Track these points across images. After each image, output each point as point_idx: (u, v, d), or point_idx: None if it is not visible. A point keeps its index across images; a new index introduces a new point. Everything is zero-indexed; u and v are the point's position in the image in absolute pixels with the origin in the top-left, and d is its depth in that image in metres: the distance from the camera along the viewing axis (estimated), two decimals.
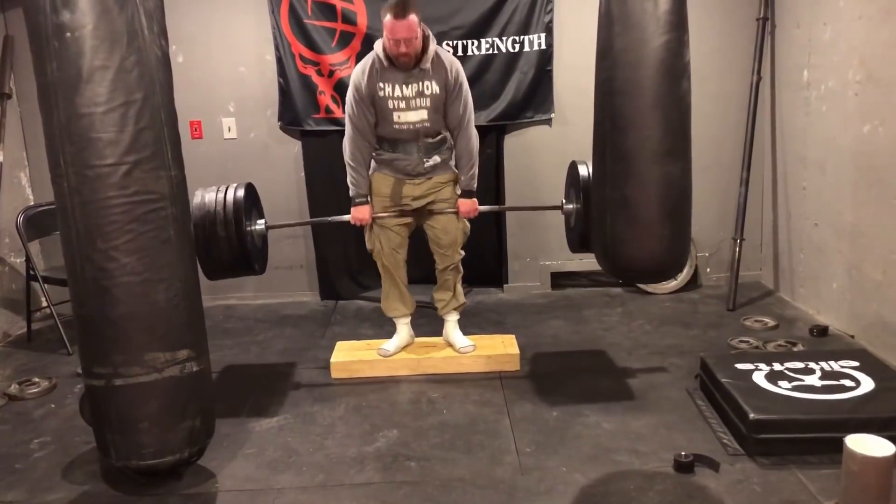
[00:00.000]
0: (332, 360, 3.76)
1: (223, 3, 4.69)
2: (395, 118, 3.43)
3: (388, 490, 2.71)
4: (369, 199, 3.56)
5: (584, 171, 3.45)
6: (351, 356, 3.78)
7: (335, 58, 4.65)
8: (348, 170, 3.53)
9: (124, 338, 2.50)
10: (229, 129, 4.86)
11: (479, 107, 4.70)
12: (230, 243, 3.38)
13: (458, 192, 3.58)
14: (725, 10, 4.65)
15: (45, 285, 4.35)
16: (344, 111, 4.60)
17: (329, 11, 4.59)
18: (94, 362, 2.55)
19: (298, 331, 4.49)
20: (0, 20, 4.69)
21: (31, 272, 4.35)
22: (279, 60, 4.69)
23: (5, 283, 4.67)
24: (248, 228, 3.49)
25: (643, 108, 2.67)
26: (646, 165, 2.71)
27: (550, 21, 4.63)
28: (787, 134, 4.51)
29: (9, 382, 3.79)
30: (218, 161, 4.85)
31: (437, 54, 3.39)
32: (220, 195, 3.40)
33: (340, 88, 4.67)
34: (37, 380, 3.78)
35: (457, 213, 3.57)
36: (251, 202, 3.59)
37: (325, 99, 4.72)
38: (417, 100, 3.40)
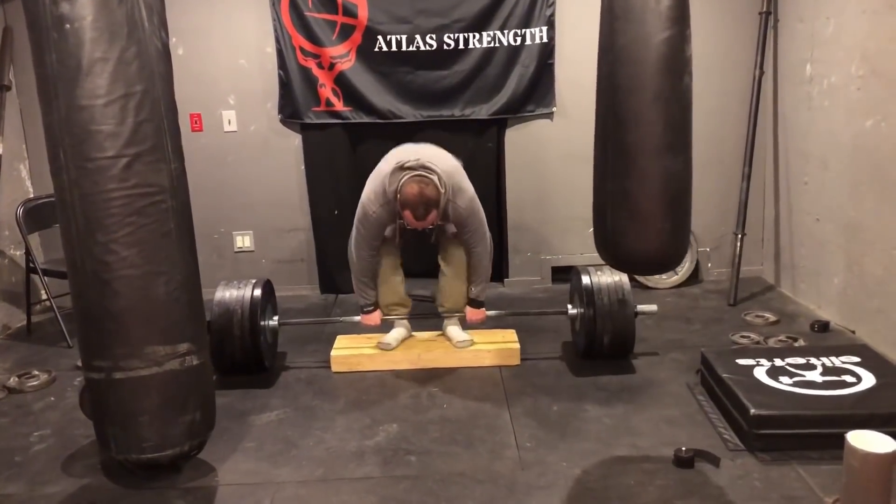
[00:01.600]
0: (332, 353, 3.75)
1: None
2: (408, 234, 3.56)
3: (388, 484, 2.71)
4: (378, 304, 3.71)
5: (587, 279, 3.61)
6: (351, 350, 3.78)
7: (336, 50, 4.63)
8: (355, 282, 3.65)
9: (124, 331, 2.50)
10: (229, 122, 4.84)
11: (480, 100, 4.71)
12: (244, 345, 3.54)
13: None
14: (728, 4, 4.63)
15: (45, 278, 4.33)
16: (345, 104, 4.65)
17: (330, 4, 4.57)
18: (94, 355, 2.55)
19: (299, 324, 4.47)
20: None
21: (31, 265, 4.34)
22: (280, 53, 4.67)
23: (5, 275, 4.66)
24: (263, 325, 3.62)
25: (645, 103, 2.67)
26: (647, 160, 2.71)
27: (552, 14, 4.61)
28: (790, 129, 4.49)
29: (8, 375, 3.78)
30: (218, 154, 4.84)
31: (447, 207, 3.38)
32: (240, 294, 3.57)
33: (341, 81, 4.66)
34: (36, 373, 3.77)
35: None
36: (266, 299, 3.72)
37: (326, 92, 4.70)
38: (429, 230, 3.50)
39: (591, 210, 2.91)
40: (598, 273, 3.63)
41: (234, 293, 3.58)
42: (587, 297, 3.57)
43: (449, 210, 3.40)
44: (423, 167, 3.26)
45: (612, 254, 2.95)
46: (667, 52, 2.64)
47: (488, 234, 3.62)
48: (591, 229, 3.00)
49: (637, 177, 2.72)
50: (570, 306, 3.81)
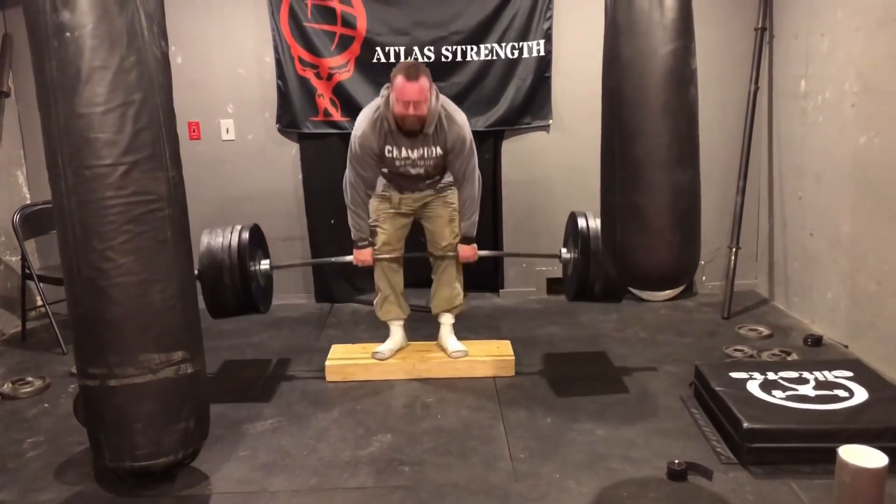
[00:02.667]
0: (326, 362, 3.75)
1: (223, 4, 4.69)
2: (399, 169, 3.52)
3: (381, 494, 2.71)
4: (371, 241, 3.66)
5: (583, 222, 3.54)
6: (346, 359, 3.78)
7: (334, 61, 4.65)
8: (350, 213, 3.61)
9: (119, 338, 2.50)
10: (227, 131, 4.85)
11: (477, 112, 4.73)
12: (235, 289, 3.48)
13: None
14: (724, 19, 4.67)
15: (41, 284, 4.33)
16: (343, 114, 4.67)
17: (329, 15, 4.60)
18: (89, 362, 2.55)
19: (294, 333, 4.48)
20: None
21: (27, 271, 4.34)
22: (278, 63, 4.69)
23: (0, 281, 4.66)
24: (253, 269, 3.58)
25: (651, 115, 2.69)
26: (655, 173, 2.73)
27: (549, 28, 4.64)
28: (784, 143, 4.52)
29: (2, 381, 3.77)
30: (216, 162, 4.85)
31: (440, 119, 3.41)
32: (226, 240, 3.49)
33: (339, 92, 4.68)
34: (30, 379, 3.76)
35: (453, 217, 3.63)
36: (256, 243, 3.67)
37: (324, 102, 4.72)
38: (422, 160, 3.49)
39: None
40: (595, 218, 3.48)
41: (219, 240, 3.49)
42: (582, 241, 3.49)
43: (443, 120, 3.41)
44: None
45: (623, 269, 2.96)
46: (673, 64, 2.66)
47: (479, 172, 3.60)
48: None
49: (646, 190, 2.73)
50: (563, 250, 3.75)
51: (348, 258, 3.71)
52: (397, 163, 3.48)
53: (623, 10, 2.70)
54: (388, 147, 3.44)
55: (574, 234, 3.62)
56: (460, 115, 3.50)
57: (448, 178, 3.64)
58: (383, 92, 3.41)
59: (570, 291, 3.71)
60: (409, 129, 3.38)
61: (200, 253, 3.40)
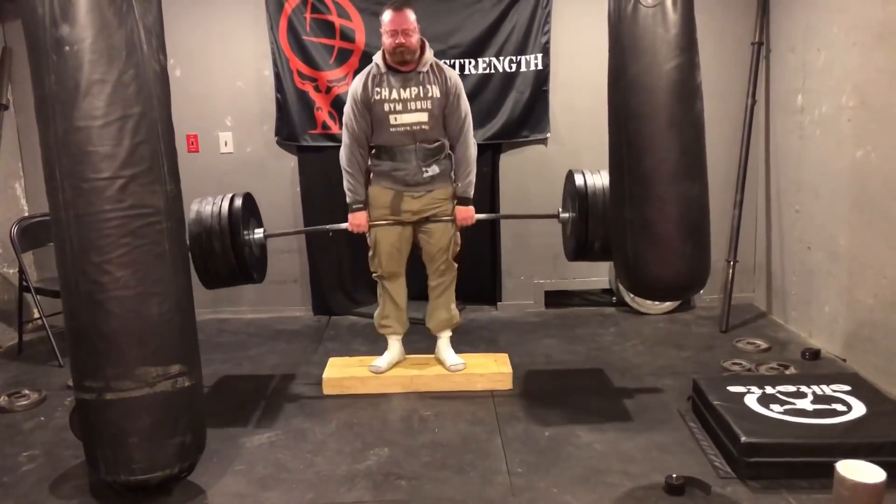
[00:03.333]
0: (324, 375, 3.74)
1: (222, 18, 4.71)
2: (392, 121, 3.47)
3: None
4: (366, 205, 3.60)
5: (580, 180, 3.49)
6: (343, 372, 3.77)
7: (333, 74, 4.67)
8: (345, 176, 3.57)
9: (116, 352, 2.50)
10: (226, 144, 4.87)
11: (475, 125, 4.68)
12: (227, 257, 3.40)
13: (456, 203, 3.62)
14: (721, 34, 4.69)
15: (38, 296, 4.33)
16: (341, 126, 4.68)
17: (327, 28, 4.62)
18: (86, 376, 2.54)
19: (291, 346, 4.48)
20: None
21: (24, 283, 4.33)
22: (277, 76, 4.71)
23: None
24: (247, 238, 3.51)
25: (659, 130, 2.72)
26: (664, 186, 2.75)
27: (547, 42, 4.66)
28: (781, 157, 4.54)
29: None
30: (214, 175, 4.85)
31: (435, 62, 3.50)
32: (216, 207, 3.42)
33: (338, 105, 4.69)
34: (27, 392, 3.75)
35: (453, 220, 3.60)
36: (249, 212, 3.60)
37: (322, 115, 4.74)
38: (416, 102, 3.46)
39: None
40: (594, 175, 3.49)
41: (208, 208, 3.42)
42: (580, 200, 3.46)
43: (440, 65, 3.50)
44: None
45: (635, 281, 2.98)
46: (678, 78, 2.69)
47: (472, 129, 3.60)
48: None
49: (655, 203, 2.75)
50: (560, 209, 3.71)
51: (343, 225, 3.62)
52: (386, 107, 3.44)
53: (627, 27, 2.73)
54: (377, 90, 3.45)
55: (572, 194, 3.57)
56: (453, 72, 3.57)
57: (446, 162, 3.59)
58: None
59: (570, 251, 3.68)
60: (401, 62, 3.42)
61: (189, 220, 3.28)
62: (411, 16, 3.38)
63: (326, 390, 3.70)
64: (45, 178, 2.49)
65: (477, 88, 4.69)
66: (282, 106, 4.76)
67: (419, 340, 4.07)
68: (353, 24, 4.60)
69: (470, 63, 4.66)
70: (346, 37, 4.62)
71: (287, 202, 4.94)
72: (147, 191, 2.49)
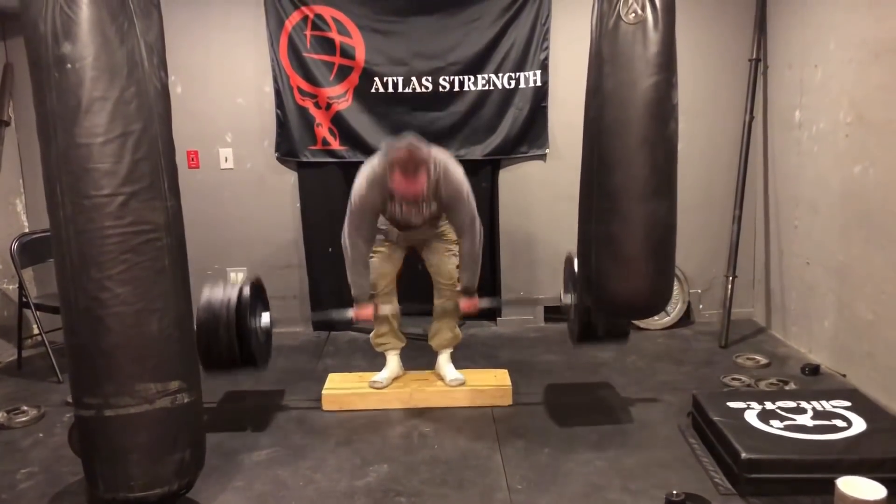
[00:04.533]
0: (323, 391, 3.74)
1: (223, 34, 4.74)
2: (399, 219, 3.55)
3: None
4: (371, 298, 3.64)
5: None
6: (343, 388, 3.77)
7: (333, 91, 4.69)
8: (350, 273, 3.59)
9: (116, 368, 2.49)
10: (226, 160, 4.88)
11: (474, 141, 4.77)
12: (231, 348, 3.36)
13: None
14: (719, 50, 4.72)
15: (38, 312, 4.32)
16: (341, 143, 4.71)
17: (328, 45, 4.65)
18: (85, 392, 2.54)
19: (290, 362, 4.47)
20: (1, 48, 4.73)
21: (24, 299, 4.33)
22: (277, 92, 4.74)
23: None
24: (253, 326, 3.49)
25: (630, 147, 2.72)
26: (631, 203, 2.75)
27: (546, 58, 4.69)
28: (780, 173, 4.55)
29: None
30: (214, 191, 4.87)
31: (437, 184, 3.41)
32: (225, 296, 3.37)
33: (337, 121, 4.72)
34: (25, 408, 3.74)
35: (455, 252, 3.66)
36: (257, 298, 3.60)
37: (322, 131, 4.76)
38: (419, 215, 3.51)
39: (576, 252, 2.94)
40: None
41: (219, 296, 3.38)
42: (583, 287, 3.40)
43: (441, 180, 3.40)
44: (413, 139, 3.33)
45: (597, 296, 2.98)
46: (654, 97, 2.70)
47: (479, 223, 3.58)
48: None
49: (621, 220, 2.76)
50: (562, 294, 3.72)
51: (349, 312, 3.65)
52: (397, 216, 3.52)
53: (607, 42, 2.74)
54: (388, 204, 3.48)
55: (573, 278, 3.60)
56: (456, 173, 3.46)
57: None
58: (381, 156, 3.37)
59: (574, 335, 3.71)
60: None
61: (198, 308, 3.29)
62: (423, 179, 3.27)
63: (326, 406, 3.70)
64: (45, 195, 2.50)
65: (476, 105, 4.72)
66: (282, 122, 4.78)
67: (419, 356, 4.07)
68: (353, 42, 4.63)
69: (469, 79, 4.69)
70: (347, 54, 4.64)
71: (287, 218, 4.96)
72: (147, 207, 2.49)
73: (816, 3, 4.04)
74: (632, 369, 4.17)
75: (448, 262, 3.68)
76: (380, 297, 3.70)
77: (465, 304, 3.65)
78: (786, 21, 4.41)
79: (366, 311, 3.61)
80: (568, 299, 3.68)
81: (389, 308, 3.73)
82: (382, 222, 3.62)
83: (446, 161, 3.48)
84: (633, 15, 2.67)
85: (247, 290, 3.46)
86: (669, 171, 2.81)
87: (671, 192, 2.84)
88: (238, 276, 4.97)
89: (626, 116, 2.71)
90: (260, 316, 3.61)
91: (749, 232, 4.86)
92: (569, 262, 3.66)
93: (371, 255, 3.66)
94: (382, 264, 3.69)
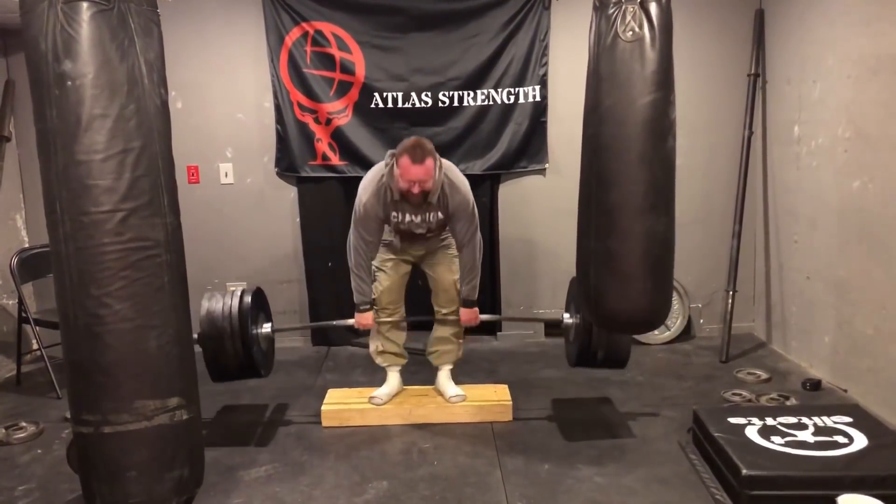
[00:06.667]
0: (323, 407, 3.73)
1: (223, 50, 4.76)
2: (403, 228, 3.54)
3: None
4: (372, 306, 3.65)
5: None
6: (342, 404, 3.75)
7: (333, 106, 4.71)
8: (353, 277, 3.60)
9: (114, 385, 2.49)
10: (226, 175, 4.89)
11: (474, 156, 4.78)
12: (237, 354, 3.48)
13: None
14: (718, 66, 4.74)
15: (37, 328, 4.32)
16: (341, 158, 4.71)
17: (328, 61, 4.67)
18: (84, 409, 2.54)
19: (290, 377, 4.46)
20: (2, 64, 4.75)
21: (23, 314, 4.33)
22: (277, 108, 4.75)
23: None
24: (254, 332, 3.57)
25: (629, 163, 2.73)
26: (630, 220, 2.76)
27: (545, 74, 4.71)
28: (779, 188, 4.56)
29: None
30: (214, 206, 4.87)
31: (443, 187, 3.43)
32: (227, 306, 3.48)
33: (337, 136, 4.73)
34: (24, 424, 3.73)
35: (457, 260, 3.64)
36: (258, 307, 3.67)
37: (322, 146, 4.77)
38: (424, 223, 3.51)
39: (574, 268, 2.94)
40: None
41: (217, 305, 3.49)
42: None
43: (446, 189, 3.41)
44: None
45: (595, 312, 2.98)
46: (651, 114, 2.71)
47: (479, 234, 3.59)
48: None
49: (619, 236, 2.77)
50: (566, 315, 3.73)
51: (350, 321, 3.68)
52: (402, 225, 3.52)
53: (605, 60, 2.75)
54: (393, 213, 3.48)
55: (576, 300, 3.61)
56: (463, 183, 3.49)
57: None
58: (387, 160, 3.40)
59: (572, 357, 3.71)
60: (413, 200, 3.42)
61: (200, 317, 3.42)
62: (431, 164, 3.29)
63: (325, 422, 3.68)
64: (45, 211, 2.51)
65: (475, 120, 4.73)
66: (282, 137, 4.79)
67: (419, 371, 4.06)
68: (353, 57, 4.65)
69: (468, 95, 4.70)
70: (347, 69, 4.66)
71: (287, 233, 4.96)
72: (147, 224, 2.50)
73: (815, 19, 4.06)
74: (632, 384, 4.16)
75: (450, 275, 3.67)
76: (382, 313, 3.69)
77: (466, 315, 3.65)
78: (784, 37, 4.43)
79: (366, 319, 3.62)
80: (570, 321, 3.69)
81: (393, 346, 3.78)
82: (388, 233, 3.62)
83: (454, 170, 3.51)
84: (631, 33, 2.68)
85: (248, 299, 3.53)
86: (668, 188, 2.82)
87: (669, 208, 2.85)
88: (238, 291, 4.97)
89: (624, 133, 2.72)
90: (261, 324, 3.68)
91: (749, 246, 4.86)
92: (573, 284, 3.67)
93: (376, 270, 3.67)
94: (387, 279, 3.68)
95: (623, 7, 2.71)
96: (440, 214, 3.49)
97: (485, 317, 3.74)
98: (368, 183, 3.46)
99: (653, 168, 2.73)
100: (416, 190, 3.31)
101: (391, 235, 3.65)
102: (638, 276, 2.79)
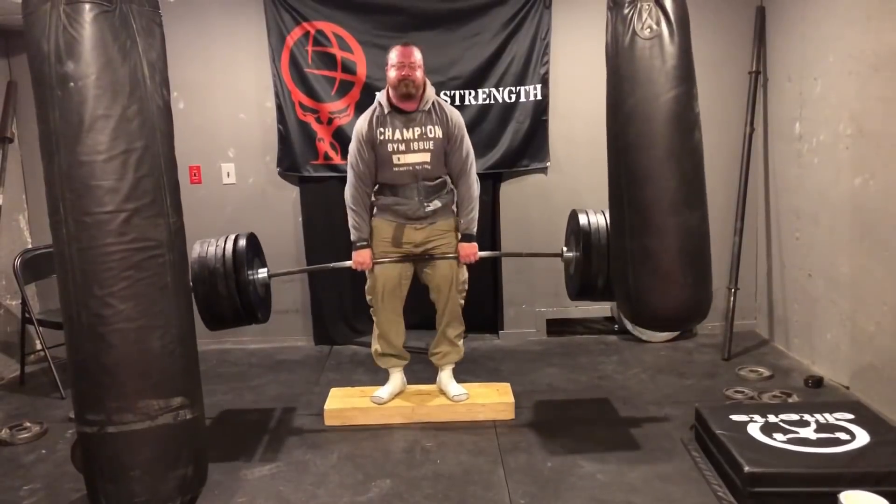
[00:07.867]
0: (325, 406, 3.74)
1: (225, 50, 4.77)
2: (395, 160, 3.50)
3: None
4: (370, 243, 3.60)
5: (584, 219, 3.49)
6: (345, 403, 3.76)
7: (334, 106, 4.72)
8: (349, 213, 3.58)
9: (118, 384, 2.50)
10: (228, 175, 4.90)
11: (476, 155, 4.75)
12: (231, 298, 3.37)
13: (459, 237, 3.62)
14: (719, 63, 4.74)
15: (40, 328, 4.33)
16: (343, 157, 4.72)
17: (329, 61, 4.67)
18: (87, 409, 2.55)
19: (293, 376, 4.47)
20: (5, 65, 4.76)
21: (27, 315, 4.34)
22: (279, 108, 4.76)
23: (0, 325, 4.66)
24: (251, 278, 3.50)
25: (658, 160, 2.74)
26: (664, 216, 2.77)
27: (546, 73, 4.71)
28: (780, 185, 4.56)
29: (0, 427, 3.75)
30: (216, 206, 4.88)
31: (437, 101, 3.53)
32: (220, 248, 3.40)
33: (339, 136, 4.74)
34: (28, 424, 3.74)
35: (457, 258, 3.60)
36: (253, 252, 3.60)
37: (324, 146, 4.78)
38: (419, 142, 3.49)
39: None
40: (597, 215, 3.47)
41: (211, 249, 3.39)
42: (583, 238, 3.44)
43: (443, 105, 3.54)
44: None
45: (637, 312, 2.97)
46: (676, 109, 2.72)
47: (475, 167, 3.62)
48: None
49: (655, 234, 2.76)
50: (565, 249, 3.70)
51: (347, 263, 3.62)
52: (390, 147, 3.47)
53: (625, 59, 2.76)
54: (380, 129, 3.48)
55: (576, 232, 3.57)
56: (454, 111, 3.59)
57: (448, 196, 3.62)
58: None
59: (573, 290, 3.68)
60: (405, 95, 3.43)
61: (192, 261, 3.27)
62: (418, 53, 3.46)
63: (328, 421, 3.69)
64: (48, 212, 2.52)
65: (477, 119, 4.73)
66: (284, 137, 4.80)
67: (421, 370, 4.07)
68: (355, 57, 4.65)
69: (470, 94, 4.71)
70: (348, 69, 4.67)
71: (289, 233, 4.97)
72: (150, 224, 2.51)
73: (816, 16, 4.06)
74: (634, 382, 4.17)
75: (451, 263, 3.62)
76: (383, 301, 3.65)
77: (465, 249, 3.59)
78: (785, 34, 4.43)
79: (363, 256, 3.57)
80: (570, 254, 3.65)
81: (393, 348, 3.77)
82: (387, 202, 3.58)
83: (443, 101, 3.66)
84: (649, 31, 2.69)
85: (241, 242, 3.46)
86: (698, 181, 2.83)
87: (702, 201, 2.86)
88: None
89: (650, 130, 2.73)
90: (257, 269, 3.60)
91: (751, 244, 4.86)
92: (572, 216, 3.63)
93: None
94: (387, 269, 3.63)
95: (638, 5, 2.72)
96: (437, 131, 3.49)
97: (483, 253, 3.68)
98: (358, 120, 3.58)
99: (682, 162, 2.74)
100: (406, 72, 3.40)
101: (388, 215, 3.59)
102: (677, 273, 2.79)
